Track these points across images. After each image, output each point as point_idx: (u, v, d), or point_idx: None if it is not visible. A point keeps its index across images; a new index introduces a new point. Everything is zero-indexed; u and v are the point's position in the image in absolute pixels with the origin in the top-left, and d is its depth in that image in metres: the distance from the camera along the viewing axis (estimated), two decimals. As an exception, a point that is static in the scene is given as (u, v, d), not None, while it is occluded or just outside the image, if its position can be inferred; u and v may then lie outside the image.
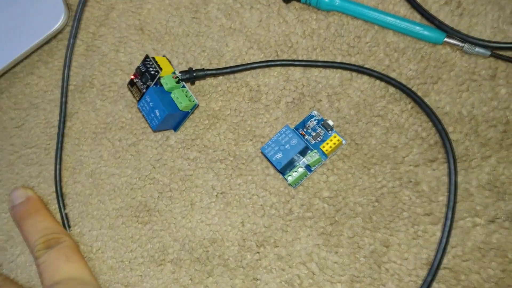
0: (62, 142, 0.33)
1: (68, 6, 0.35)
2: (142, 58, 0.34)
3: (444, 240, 0.26)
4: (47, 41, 0.35)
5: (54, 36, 0.35)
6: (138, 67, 0.31)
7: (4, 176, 0.34)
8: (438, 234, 0.27)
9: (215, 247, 0.29)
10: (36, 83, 0.35)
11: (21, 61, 0.35)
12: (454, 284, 0.26)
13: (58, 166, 0.32)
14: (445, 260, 0.27)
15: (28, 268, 0.32)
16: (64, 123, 0.33)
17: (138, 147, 0.32)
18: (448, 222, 0.26)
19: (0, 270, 0.32)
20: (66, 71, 0.33)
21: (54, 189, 0.32)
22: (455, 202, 0.27)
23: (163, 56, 0.32)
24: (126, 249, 0.30)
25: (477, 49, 0.29)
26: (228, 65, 0.32)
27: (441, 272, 0.27)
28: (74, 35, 0.33)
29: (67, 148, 0.33)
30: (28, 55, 0.35)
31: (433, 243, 0.27)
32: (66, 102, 0.33)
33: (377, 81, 0.30)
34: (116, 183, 0.32)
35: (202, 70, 0.31)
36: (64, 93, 0.33)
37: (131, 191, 0.31)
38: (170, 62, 0.32)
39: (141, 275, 0.30)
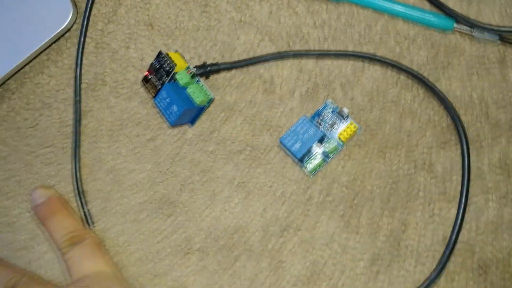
0: (78, 140, 0.33)
1: (75, 4, 0.35)
2: (153, 54, 0.34)
3: (459, 216, 0.27)
4: (56, 40, 0.35)
5: (62, 34, 0.35)
6: (152, 64, 0.31)
7: (22, 176, 0.34)
8: (453, 211, 0.29)
9: (239, 234, 0.30)
10: (47, 83, 0.35)
11: (30, 61, 0.35)
12: (469, 256, 0.28)
13: (76, 164, 0.32)
14: (460, 235, 0.28)
15: (56, 264, 0.32)
16: (79, 121, 0.33)
17: (156, 142, 0.32)
18: (463, 200, 0.27)
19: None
20: (78, 70, 0.33)
21: (73, 187, 0.33)
22: (468, 181, 0.28)
23: (176, 51, 0.32)
24: (152, 241, 0.31)
25: (486, 34, 0.30)
26: (240, 58, 0.33)
27: (457, 246, 0.28)
28: (84, 33, 0.33)
29: (84, 146, 0.33)
30: (37, 55, 0.35)
31: (448, 220, 0.28)
32: (80, 101, 0.33)
33: (389, 69, 0.31)
34: (137, 178, 0.32)
35: (216, 64, 0.31)
36: (78, 92, 0.33)
37: (153, 185, 0.32)
38: (183, 57, 0.32)
39: (169, 265, 0.30)
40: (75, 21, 0.35)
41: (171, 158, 0.32)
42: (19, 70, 0.35)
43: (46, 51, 0.36)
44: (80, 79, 0.33)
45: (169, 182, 0.32)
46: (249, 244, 0.30)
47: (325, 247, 0.29)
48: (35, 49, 0.34)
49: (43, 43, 0.34)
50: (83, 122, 0.34)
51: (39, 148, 0.34)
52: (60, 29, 0.34)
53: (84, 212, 0.32)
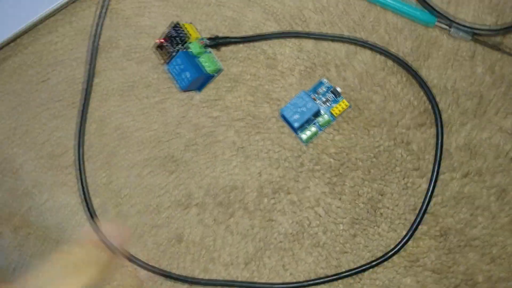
0: (89, 96, 0.34)
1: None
2: (165, 23, 0.35)
3: (431, 190, 0.31)
4: (72, 2, 0.35)
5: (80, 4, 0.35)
6: (168, 32, 0.32)
7: (30, 126, 0.35)
8: (424, 186, 0.32)
9: (236, 193, 0.32)
10: (61, 41, 0.36)
11: (45, 19, 0.35)
12: (433, 225, 0.31)
13: (83, 118, 0.34)
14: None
15: (55, 212, 0.33)
16: (92, 78, 0.34)
17: (164, 104, 0.34)
18: (435, 176, 0.31)
19: (29, 213, 0.33)
20: (98, 29, 0.34)
21: (77, 141, 0.34)
22: (440, 159, 0.31)
23: (190, 23, 0.34)
24: (154, 195, 0.33)
25: (461, 33, 0.34)
26: (247, 34, 0.35)
27: (424, 216, 0.31)
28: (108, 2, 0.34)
29: (94, 103, 0.34)
30: (52, 14, 0.35)
31: (419, 193, 0.32)
32: (95, 58, 0.34)
33: (378, 55, 0.34)
34: (144, 136, 0.34)
35: (227, 37, 0.33)
36: (94, 48, 0.34)
37: (158, 144, 0.34)
38: (196, 29, 0.34)
39: (168, 217, 0.32)
40: (91, -15, 0.36)
41: (177, 121, 0.34)
42: (33, 27, 0.36)
43: (61, 11, 0.36)
44: (98, 37, 0.34)
45: (173, 142, 0.34)
46: (244, 203, 0.33)
47: (311, 210, 0.32)
48: (51, 7, 0.35)
49: (59, 3, 0.35)
50: (95, 80, 0.35)
51: (48, 101, 0.35)
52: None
53: (80, 166, 0.33)
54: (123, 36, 0.35)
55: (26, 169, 0.34)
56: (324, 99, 0.33)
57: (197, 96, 0.34)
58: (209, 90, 0.34)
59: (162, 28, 0.35)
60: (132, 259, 0.31)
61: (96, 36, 0.34)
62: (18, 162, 0.34)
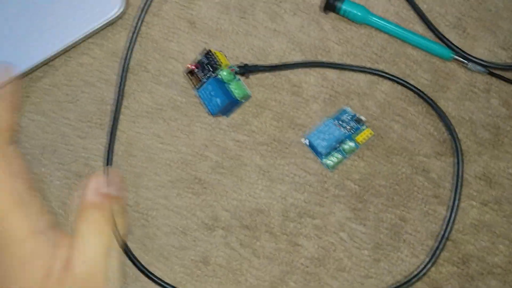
0: (118, 118, 0.32)
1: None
2: (193, 49, 0.33)
3: (452, 217, 0.29)
4: (104, 27, 0.33)
5: (111, 23, 0.33)
6: (200, 59, 0.31)
7: (58, 146, 0.32)
8: (444, 213, 0.30)
9: (261, 216, 0.30)
10: (91, 63, 0.33)
11: (77, 43, 0.33)
12: (455, 252, 0.29)
13: (111, 138, 0.31)
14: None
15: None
16: (121, 100, 0.32)
17: (192, 128, 0.32)
18: (456, 203, 0.29)
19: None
20: (128, 53, 0.32)
21: (105, 161, 0.31)
22: (461, 188, 0.30)
23: (220, 51, 0.32)
24: (180, 217, 0.30)
25: (478, 67, 0.32)
26: (272, 63, 0.33)
27: (446, 242, 0.29)
28: (142, 19, 0.32)
29: (122, 125, 0.32)
30: (84, 39, 0.33)
31: (440, 220, 0.30)
32: (125, 80, 0.32)
33: (399, 86, 0.32)
34: (172, 158, 0.31)
35: (255, 66, 0.31)
36: (125, 70, 0.32)
37: (185, 166, 0.31)
38: (225, 56, 0.32)
39: (194, 240, 0.30)
40: (124, 11, 0.34)
41: (204, 144, 0.32)
42: (65, 51, 0.34)
43: (93, 35, 0.34)
44: (129, 60, 0.32)
45: (200, 165, 0.31)
46: (269, 226, 0.30)
47: (336, 235, 0.30)
48: (83, 33, 0.33)
49: (92, 29, 0.33)
50: (124, 103, 0.33)
51: (77, 122, 0.33)
52: (110, 18, 0.33)
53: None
54: (152, 60, 0.33)
55: (53, 190, 0.32)
56: (348, 127, 0.31)
57: (224, 120, 0.32)
58: (236, 115, 0.32)
59: (190, 54, 0.33)
60: (158, 281, 0.29)
61: (126, 60, 0.32)
62: (45, 182, 0.32)
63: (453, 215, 0.29)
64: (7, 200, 0.17)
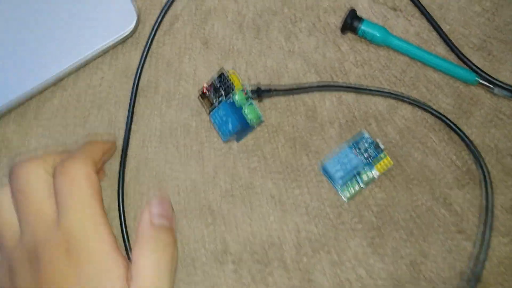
0: (127, 142, 0.28)
1: (139, 12, 0.30)
2: (205, 69, 0.29)
3: (482, 255, 0.25)
4: (114, 45, 0.30)
5: (122, 41, 0.30)
6: (212, 82, 0.27)
7: (66, 170, 0.29)
8: (469, 249, 0.26)
9: (274, 250, 0.26)
10: (100, 84, 0.30)
11: (87, 63, 0.30)
12: (480, 292, 0.25)
13: (122, 167, 0.28)
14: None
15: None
16: (130, 124, 0.28)
17: (202, 153, 0.28)
18: (486, 239, 0.25)
19: None
20: (138, 73, 0.28)
21: (115, 187, 0.28)
22: (492, 222, 0.25)
23: (232, 70, 0.28)
24: (189, 248, 0.27)
25: (504, 92, 0.28)
26: (286, 84, 0.29)
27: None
28: (151, 41, 0.28)
29: (131, 149, 0.28)
30: (94, 58, 0.30)
31: (464, 257, 0.26)
32: (134, 103, 0.28)
33: (419, 111, 0.28)
34: (181, 185, 0.28)
35: (270, 90, 0.27)
36: (134, 94, 0.28)
37: (195, 194, 0.27)
38: (238, 77, 0.28)
39: (204, 273, 0.26)
40: (136, 29, 0.30)
41: (214, 170, 0.28)
42: (74, 71, 0.30)
43: (103, 55, 0.31)
44: (138, 83, 0.29)
45: (211, 192, 0.28)
46: (282, 261, 0.26)
47: (352, 270, 0.26)
48: (94, 52, 0.29)
49: (103, 47, 0.29)
50: (133, 127, 0.29)
51: (85, 145, 0.29)
52: (122, 36, 0.29)
53: (121, 216, 0.27)
54: (162, 81, 0.29)
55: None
56: (366, 155, 0.27)
57: (235, 145, 0.28)
58: (248, 140, 0.28)
59: (202, 74, 0.29)
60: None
61: (135, 81, 0.28)
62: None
63: (483, 253, 0.25)
64: (95, 218, 0.19)
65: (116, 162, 0.28)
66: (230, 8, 0.30)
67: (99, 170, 0.26)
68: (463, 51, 0.29)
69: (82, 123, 0.29)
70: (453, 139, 0.27)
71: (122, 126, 0.29)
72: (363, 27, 0.28)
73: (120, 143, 0.28)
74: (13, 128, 0.29)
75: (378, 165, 0.26)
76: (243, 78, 0.29)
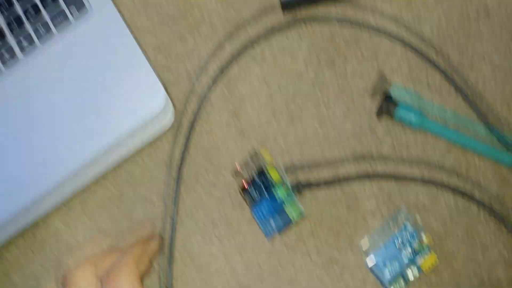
0: (174, 237, 0.26)
1: (173, 104, 0.28)
2: (242, 157, 0.27)
3: None
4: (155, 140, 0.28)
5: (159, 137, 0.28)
6: (253, 179, 0.25)
7: (112, 263, 0.27)
8: None
9: None
10: (141, 174, 0.28)
11: (129, 156, 0.28)
12: None
13: (170, 260, 0.26)
14: None
15: None
16: (175, 219, 0.26)
17: (245, 247, 0.26)
18: None
19: None
20: (179, 164, 0.26)
21: (163, 283, 0.26)
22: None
23: (265, 149, 0.26)
24: None
25: (550, 177, 0.25)
26: (323, 171, 0.26)
27: None
28: (189, 131, 0.26)
29: (177, 242, 0.27)
30: (135, 151, 0.28)
31: None
32: (177, 200, 0.27)
33: (462, 200, 0.25)
34: (226, 282, 0.26)
35: (310, 184, 0.25)
36: (177, 186, 0.27)
37: (240, 290, 0.25)
38: (277, 170, 0.26)
39: None
40: (173, 123, 0.28)
41: (259, 266, 0.26)
42: (117, 166, 0.28)
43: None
44: (179, 178, 0.27)
45: (256, 289, 0.26)
46: None
47: None
48: (137, 146, 0.28)
49: (143, 143, 0.28)
50: (177, 218, 0.27)
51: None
52: (161, 132, 0.28)
53: None
54: (202, 171, 0.27)
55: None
56: (410, 250, 0.24)
57: (278, 240, 0.26)
58: (291, 234, 0.26)
59: (239, 162, 0.27)
60: None
61: (179, 174, 0.26)
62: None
63: None
64: None
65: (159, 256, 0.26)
66: (263, 92, 0.28)
67: (147, 268, 0.24)
68: (503, 133, 0.26)
69: (127, 214, 0.27)
70: (501, 230, 0.25)
71: (166, 217, 0.27)
72: (399, 113, 0.26)
73: (165, 235, 0.26)
74: (61, 220, 0.28)
75: (424, 263, 0.24)
76: (279, 163, 0.27)
